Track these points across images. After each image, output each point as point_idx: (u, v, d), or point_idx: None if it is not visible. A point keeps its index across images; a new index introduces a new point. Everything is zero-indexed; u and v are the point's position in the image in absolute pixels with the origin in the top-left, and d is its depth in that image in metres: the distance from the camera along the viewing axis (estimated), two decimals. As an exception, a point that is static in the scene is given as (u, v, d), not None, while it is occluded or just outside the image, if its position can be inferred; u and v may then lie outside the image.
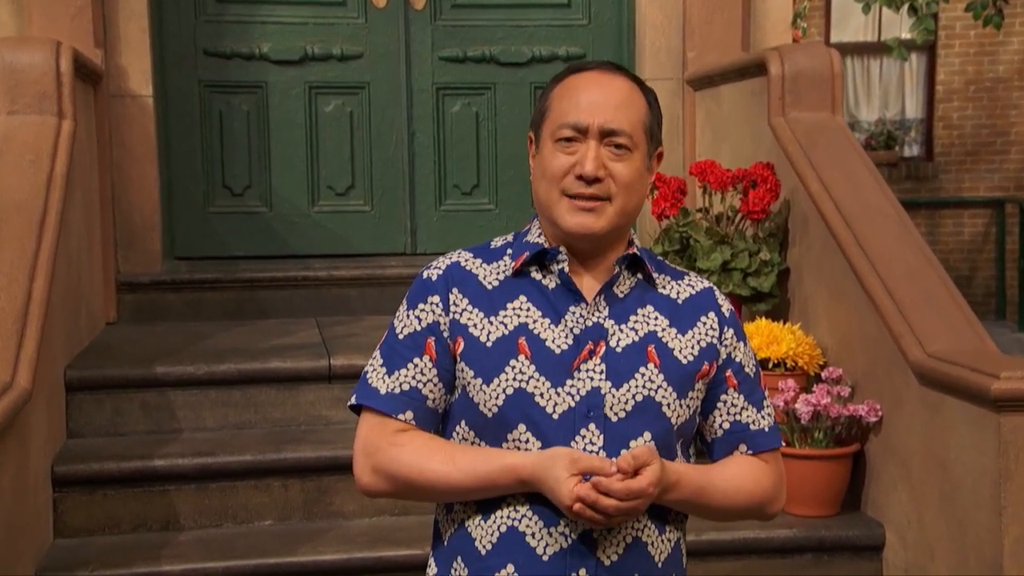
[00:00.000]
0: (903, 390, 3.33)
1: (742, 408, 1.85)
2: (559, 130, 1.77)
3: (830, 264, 3.75)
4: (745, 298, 3.96)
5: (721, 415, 1.86)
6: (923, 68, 10.49)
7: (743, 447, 1.86)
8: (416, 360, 1.79)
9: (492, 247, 1.89)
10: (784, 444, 3.43)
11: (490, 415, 1.76)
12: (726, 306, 1.89)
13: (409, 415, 1.78)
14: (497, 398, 1.75)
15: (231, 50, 4.78)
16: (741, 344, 1.88)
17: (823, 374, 3.60)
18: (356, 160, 4.90)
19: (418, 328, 1.81)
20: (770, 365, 3.67)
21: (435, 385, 1.80)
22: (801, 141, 3.95)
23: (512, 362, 1.75)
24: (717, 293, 1.90)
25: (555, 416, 1.73)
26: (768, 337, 3.70)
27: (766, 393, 1.91)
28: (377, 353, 1.85)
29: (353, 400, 1.83)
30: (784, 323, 3.79)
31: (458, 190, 5.01)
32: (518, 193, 4.94)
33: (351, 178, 4.91)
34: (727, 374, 1.85)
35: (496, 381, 1.75)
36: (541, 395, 1.74)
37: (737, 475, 1.84)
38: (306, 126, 4.85)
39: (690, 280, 1.90)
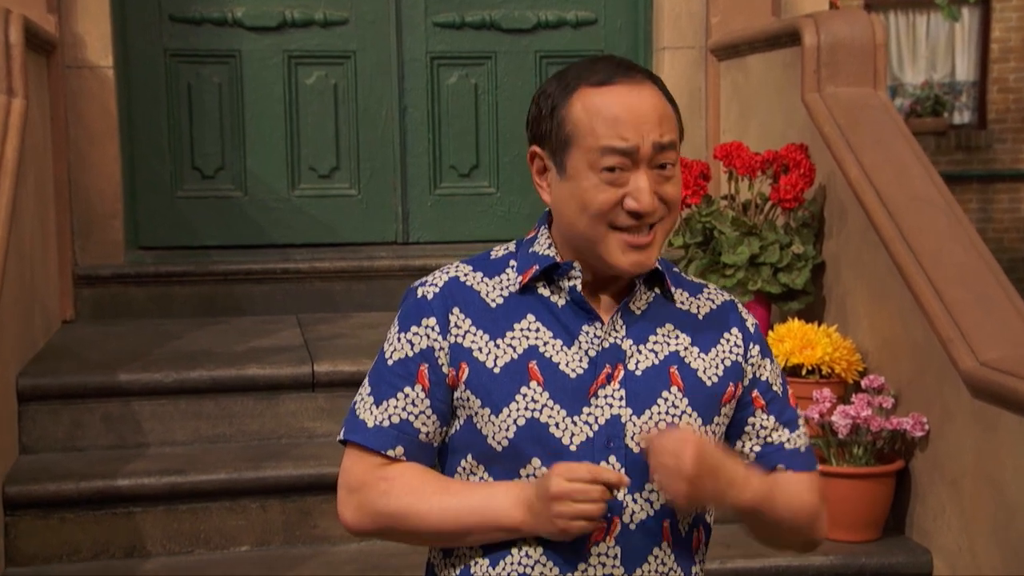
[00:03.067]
0: (953, 402, 3.33)
1: (773, 429, 1.86)
2: (603, 158, 1.72)
3: (871, 259, 3.74)
4: (775, 296, 3.96)
5: (751, 439, 1.86)
6: (976, 24, 10.46)
7: (781, 467, 1.86)
8: (407, 390, 1.79)
9: (492, 258, 1.88)
10: (819, 461, 3.47)
11: (500, 448, 1.75)
12: (750, 320, 1.90)
13: (399, 450, 1.78)
14: (507, 429, 1.74)
15: (201, 15, 4.76)
16: (767, 361, 1.89)
17: (863, 383, 3.60)
18: (341, 138, 4.89)
19: (410, 354, 1.80)
20: (803, 372, 3.68)
21: (428, 418, 1.79)
22: (839, 120, 3.94)
23: (523, 389, 1.75)
24: (740, 306, 1.91)
25: (572, 448, 1.73)
26: (801, 340, 3.70)
27: (798, 412, 1.92)
28: (366, 381, 1.84)
29: (341, 435, 1.82)
30: (819, 325, 3.79)
31: (455, 172, 5.00)
32: (522, 175, 4.93)
33: (336, 158, 4.90)
34: (753, 395, 1.86)
35: (506, 411, 1.74)
36: (556, 425, 1.74)
37: (793, 484, 1.84)
38: (285, 100, 4.84)
39: (709, 293, 1.91)
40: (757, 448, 1.86)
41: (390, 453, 1.78)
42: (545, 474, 1.68)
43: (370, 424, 1.79)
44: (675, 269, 1.93)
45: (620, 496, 1.72)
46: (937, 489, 3.42)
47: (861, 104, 4.01)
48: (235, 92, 4.81)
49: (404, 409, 1.78)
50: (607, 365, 1.77)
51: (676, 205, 1.78)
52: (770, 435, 1.86)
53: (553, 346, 1.78)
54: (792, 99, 4.20)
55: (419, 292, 1.83)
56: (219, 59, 4.80)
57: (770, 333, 3.80)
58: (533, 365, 1.76)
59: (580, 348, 1.78)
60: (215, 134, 4.81)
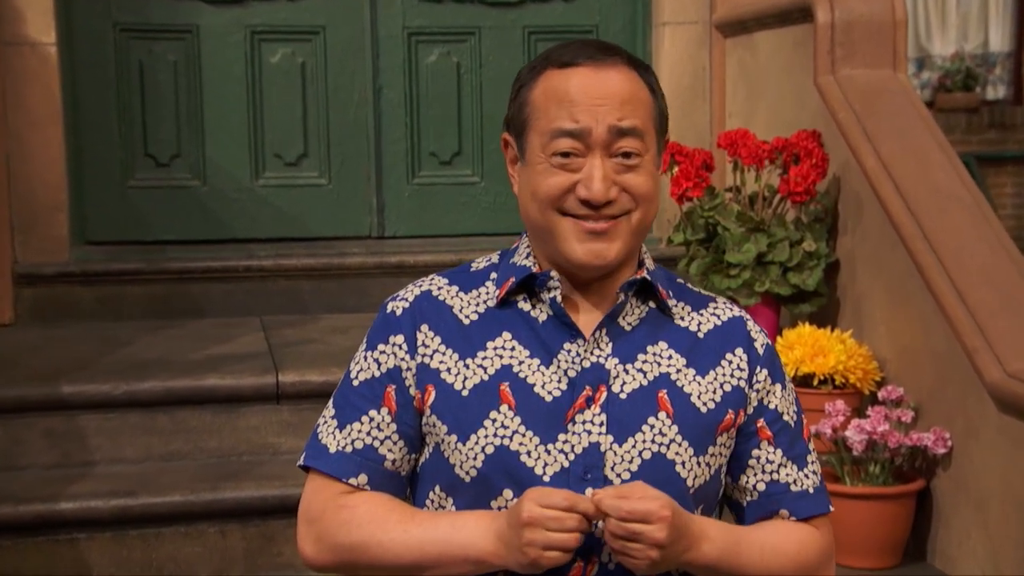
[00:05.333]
0: (978, 417, 3.34)
1: (780, 465, 1.86)
2: (553, 141, 1.75)
3: (889, 258, 3.75)
4: (785, 298, 3.97)
5: (755, 474, 1.87)
6: (1012, -11, 10.44)
7: (784, 512, 1.86)
8: (372, 413, 1.80)
9: (473, 270, 1.90)
10: (832, 480, 3.50)
11: (468, 479, 1.76)
12: (760, 340, 1.89)
13: (363, 478, 1.79)
14: (475, 459, 1.75)
15: (154, -14, 4.77)
16: (778, 387, 1.88)
17: (880, 394, 3.61)
18: (309, 123, 4.89)
19: (376, 374, 1.81)
20: (815, 382, 3.69)
21: (395, 443, 1.80)
22: (855, 106, 3.95)
23: (493, 414, 1.76)
24: (750, 324, 1.91)
25: (545, 479, 1.74)
26: (813, 347, 3.71)
27: (811, 446, 1.92)
28: (331, 402, 1.86)
29: (302, 460, 1.84)
30: (832, 330, 3.80)
31: (435, 159, 5.00)
32: (509, 162, 4.93)
33: (303, 145, 4.90)
34: (759, 425, 1.86)
35: (474, 438, 1.76)
36: (528, 454, 1.75)
37: (776, 535, 1.84)
38: (247, 80, 4.84)
39: (716, 307, 1.90)
40: (762, 486, 1.86)
41: (352, 482, 1.79)
42: (518, 499, 1.68)
43: (332, 450, 1.80)
44: (679, 280, 1.93)
45: (598, 532, 1.71)
46: (961, 512, 3.43)
47: (879, 88, 4.01)
48: (192, 71, 4.80)
49: (368, 434, 1.80)
50: (587, 387, 1.77)
51: (647, 198, 1.78)
52: (777, 471, 1.86)
53: (529, 366, 1.78)
54: (804, 81, 4.21)
55: (389, 307, 1.86)
56: (174, 35, 4.79)
57: (779, 339, 3.81)
58: (505, 387, 1.77)
59: (559, 368, 1.78)
60: (170, 118, 4.80)
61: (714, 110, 4.83)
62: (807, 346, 3.72)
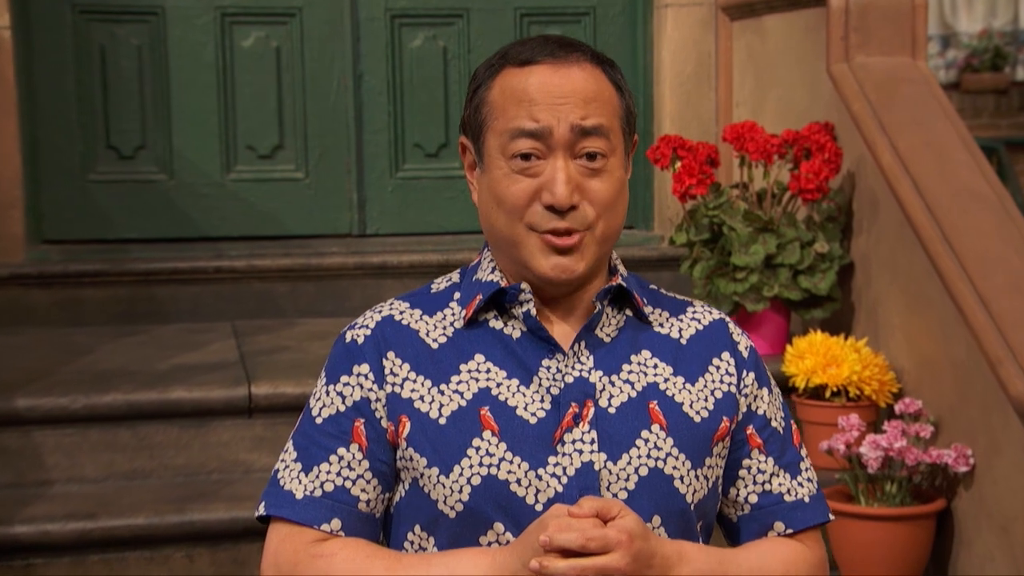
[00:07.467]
0: (1001, 433, 3.35)
1: (772, 475, 1.87)
2: (512, 142, 1.76)
3: (907, 260, 3.76)
4: (795, 303, 3.98)
5: (746, 485, 1.87)
6: (1044, -39, 10.46)
7: (780, 526, 1.87)
8: (341, 451, 1.79)
9: (433, 291, 1.90)
10: (846, 499, 3.51)
11: (453, 514, 1.76)
12: (744, 343, 1.91)
13: (336, 524, 1.78)
14: (461, 492, 1.75)
15: (116, -36, 4.78)
16: (764, 391, 1.89)
17: (897, 407, 3.62)
18: (285, 112, 4.90)
19: (341, 408, 1.81)
20: (827, 394, 3.70)
21: (368, 483, 1.79)
22: (870, 96, 3.95)
23: (476, 442, 1.76)
24: (732, 327, 1.92)
25: (539, 507, 1.74)
26: (825, 356, 3.72)
27: (803, 452, 1.92)
28: (290, 444, 1.84)
29: (262, 509, 1.81)
30: (846, 337, 3.82)
31: (420, 151, 5.01)
32: (499, 155, 4.94)
33: (278, 136, 4.91)
34: (748, 432, 1.87)
35: (457, 469, 1.75)
36: (518, 481, 1.75)
37: (761, 556, 1.84)
38: (218, 66, 4.84)
39: (695, 312, 1.92)
40: (754, 498, 1.87)
41: (325, 528, 1.78)
42: (535, 528, 1.67)
43: (299, 495, 1.79)
44: (652, 286, 1.94)
45: None
46: (984, 534, 3.44)
47: (897, 77, 4.02)
48: (158, 57, 4.81)
49: (339, 474, 1.79)
50: (573, 404, 1.77)
51: (609, 206, 1.78)
52: (769, 481, 1.87)
53: (508, 387, 1.79)
54: (816, 70, 4.22)
55: (348, 336, 1.85)
56: (138, 17, 4.80)
57: (788, 347, 3.82)
58: (485, 412, 1.77)
59: (540, 386, 1.78)
60: (134, 107, 4.80)
61: (720, 99, 4.82)
62: (819, 355, 3.73)
